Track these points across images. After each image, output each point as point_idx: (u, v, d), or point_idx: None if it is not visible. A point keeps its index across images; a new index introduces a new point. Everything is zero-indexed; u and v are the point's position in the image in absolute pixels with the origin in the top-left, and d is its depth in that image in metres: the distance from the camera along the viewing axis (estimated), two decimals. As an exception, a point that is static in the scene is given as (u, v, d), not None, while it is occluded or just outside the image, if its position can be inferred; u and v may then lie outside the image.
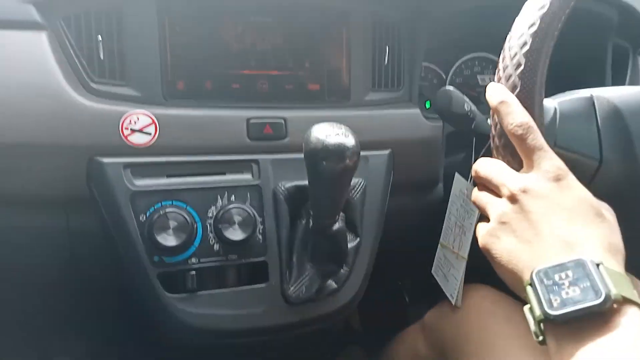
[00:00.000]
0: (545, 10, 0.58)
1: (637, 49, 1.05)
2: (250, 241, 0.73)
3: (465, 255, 0.78)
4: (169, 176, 0.72)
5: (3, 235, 0.73)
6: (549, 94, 0.63)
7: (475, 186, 0.63)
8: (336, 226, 0.71)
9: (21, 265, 0.83)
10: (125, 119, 0.70)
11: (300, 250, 0.74)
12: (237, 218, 0.72)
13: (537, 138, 0.55)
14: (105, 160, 0.69)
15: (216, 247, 0.72)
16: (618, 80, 1.03)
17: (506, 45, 0.61)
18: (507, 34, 0.61)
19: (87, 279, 0.86)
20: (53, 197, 0.70)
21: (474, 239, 0.62)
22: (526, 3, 0.61)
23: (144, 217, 0.70)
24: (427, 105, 1.02)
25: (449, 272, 0.84)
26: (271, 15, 0.79)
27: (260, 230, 0.74)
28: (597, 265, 0.47)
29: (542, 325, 0.48)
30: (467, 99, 0.77)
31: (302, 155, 0.63)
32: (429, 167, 0.90)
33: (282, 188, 0.76)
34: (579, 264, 0.47)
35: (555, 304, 0.46)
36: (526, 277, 0.50)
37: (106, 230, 0.72)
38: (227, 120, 0.75)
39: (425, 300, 0.98)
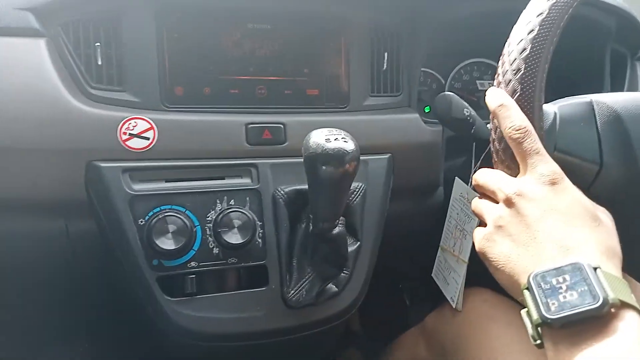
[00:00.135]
0: (544, 16, 0.58)
1: (635, 55, 1.05)
2: (250, 245, 0.73)
3: (466, 259, 0.78)
4: (167, 180, 0.72)
5: (3, 239, 0.73)
6: (548, 100, 0.63)
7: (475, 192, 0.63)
8: (336, 230, 0.71)
9: (20, 270, 0.83)
10: (123, 124, 0.70)
11: (300, 254, 0.74)
12: (236, 222, 0.72)
13: (534, 142, 0.56)
14: (104, 164, 0.70)
15: (215, 251, 0.72)
16: (616, 86, 1.03)
17: (505, 50, 0.61)
18: (506, 40, 0.62)
19: (87, 282, 0.86)
20: (52, 202, 0.70)
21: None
22: (525, 9, 0.61)
23: (143, 221, 0.70)
24: (426, 110, 1.03)
25: (449, 275, 0.84)
26: (269, 22, 0.80)
27: (260, 234, 0.74)
28: (595, 269, 0.47)
29: (539, 329, 0.48)
30: (467, 104, 0.77)
31: (301, 160, 0.64)
32: (429, 172, 0.90)
33: (282, 192, 0.76)
34: (576, 268, 0.47)
35: (552, 308, 0.46)
36: (523, 281, 0.50)
37: (105, 234, 0.72)
38: (225, 125, 0.76)
39: (426, 303, 0.98)
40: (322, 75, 0.83)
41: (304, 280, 0.74)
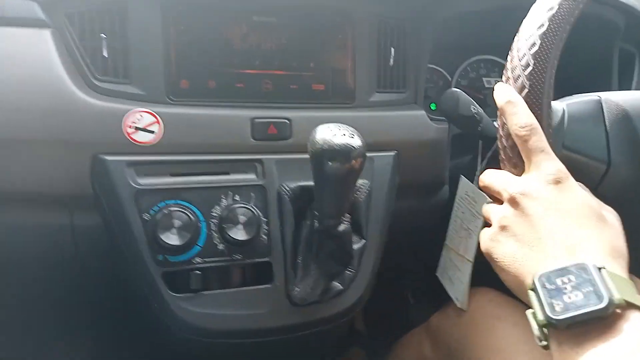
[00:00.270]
0: (554, 11, 0.58)
1: (644, 53, 1.04)
2: (255, 241, 0.72)
3: (471, 258, 0.78)
4: (172, 175, 0.72)
5: (7, 233, 0.73)
6: (555, 97, 0.63)
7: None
8: (341, 227, 0.70)
9: (25, 263, 0.83)
10: (128, 117, 0.70)
11: (305, 251, 0.74)
12: (241, 218, 0.71)
13: (540, 140, 0.55)
14: (109, 158, 0.69)
15: (220, 246, 0.72)
16: (624, 84, 1.02)
17: (514, 46, 0.60)
18: (513, 36, 0.61)
19: (91, 278, 0.86)
20: (57, 195, 0.70)
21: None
22: (534, 5, 0.61)
23: (148, 216, 0.69)
24: (432, 107, 1.02)
25: (454, 274, 0.84)
26: (276, 15, 0.79)
27: (265, 231, 0.74)
28: (600, 269, 0.46)
29: (545, 329, 0.47)
30: (474, 102, 0.77)
31: (306, 156, 0.63)
32: (434, 169, 0.89)
33: (287, 188, 0.75)
34: (581, 268, 0.47)
35: (557, 309, 0.46)
36: (528, 282, 0.50)
37: (110, 228, 0.71)
38: (231, 119, 0.75)
39: (430, 302, 0.97)
40: (328, 70, 0.82)
41: (309, 277, 0.74)
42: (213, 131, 0.74)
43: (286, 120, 0.77)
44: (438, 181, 0.91)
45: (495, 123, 0.67)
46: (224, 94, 0.77)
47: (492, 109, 0.61)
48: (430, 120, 0.87)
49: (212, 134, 0.74)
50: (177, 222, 0.69)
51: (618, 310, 0.44)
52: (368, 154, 0.64)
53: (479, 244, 0.60)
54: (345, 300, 0.78)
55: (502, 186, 0.57)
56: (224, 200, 0.73)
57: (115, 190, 0.69)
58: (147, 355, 1.02)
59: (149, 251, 0.69)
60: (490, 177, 0.60)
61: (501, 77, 0.63)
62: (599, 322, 0.44)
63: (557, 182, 0.53)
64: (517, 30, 0.61)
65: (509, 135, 0.59)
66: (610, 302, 0.44)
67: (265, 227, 0.74)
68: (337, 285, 0.76)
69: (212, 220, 0.72)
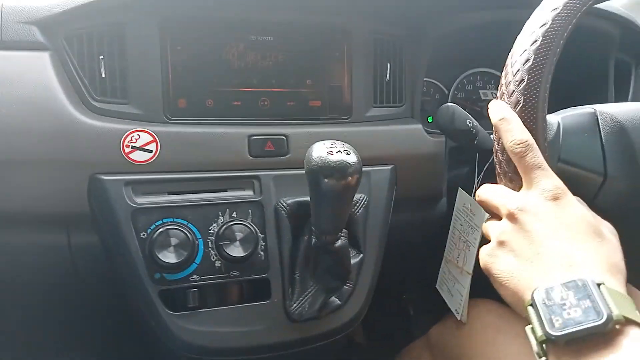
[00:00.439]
0: (547, 27, 0.58)
1: (639, 64, 1.05)
2: (252, 258, 0.72)
3: (470, 270, 0.78)
4: (170, 193, 0.72)
5: (5, 252, 0.73)
6: (552, 110, 0.63)
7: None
8: (339, 242, 0.70)
9: (23, 282, 0.83)
10: (126, 137, 0.70)
11: (303, 267, 0.74)
12: (238, 235, 0.71)
13: (536, 156, 0.55)
14: (106, 177, 0.69)
15: (218, 264, 0.72)
16: (621, 95, 1.03)
17: (508, 61, 0.61)
18: (509, 49, 0.61)
19: (89, 295, 0.86)
20: (54, 215, 0.70)
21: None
22: (528, 20, 0.61)
23: (145, 234, 0.69)
24: (429, 120, 1.02)
25: (453, 287, 0.83)
26: (272, 34, 0.80)
27: (262, 247, 0.74)
28: (599, 285, 0.46)
29: (544, 345, 0.47)
30: (470, 115, 0.77)
31: (303, 171, 0.63)
32: (432, 182, 0.89)
33: (284, 204, 0.75)
34: (580, 284, 0.47)
35: (556, 325, 0.45)
36: (527, 297, 0.50)
37: (107, 247, 0.72)
38: (228, 137, 0.75)
39: (430, 314, 0.97)
40: (325, 87, 0.83)
41: (307, 293, 0.74)
42: (210, 149, 0.74)
43: (283, 137, 0.77)
44: (435, 194, 0.91)
45: (491, 136, 0.67)
46: (221, 112, 0.78)
47: (488, 121, 0.62)
48: (428, 133, 0.87)
49: (209, 152, 0.74)
50: (174, 240, 0.69)
51: (617, 327, 0.44)
52: (365, 168, 0.64)
53: (477, 255, 0.60)
54: (344, 315, 0.78)
55: (501, 202, 0.57)
56: (221, 217, 0.73)
57: (112, 209, 0.69)
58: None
59: (146, 269, 0.69)
60: (487, 193, 0.60)
61: (497, 89, 0.63)
62: (598, 338, 0.44)
63: (556, 198, 0.53)
64: (512, 44, 0.61)
65: (504, 150, 0.59)
66: (609, 318, 0.44)
67: (263, 243, 0.74)
68: (335, 300, 0.76)
69: (209, 237, 0.72)
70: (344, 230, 0.72)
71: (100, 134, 0.69)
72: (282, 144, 0.77)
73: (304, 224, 0.74)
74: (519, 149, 0.56)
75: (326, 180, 0.60)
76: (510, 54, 0.61)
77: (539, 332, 0.47)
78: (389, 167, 0.83)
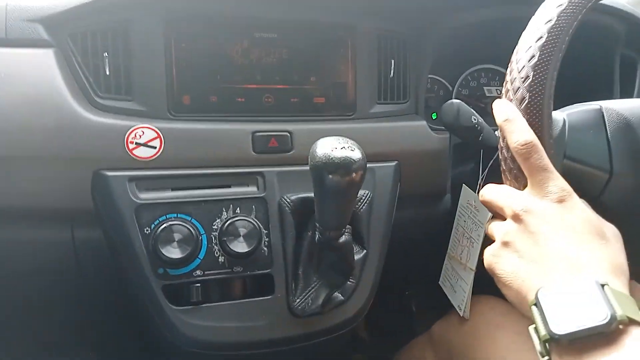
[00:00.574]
0: (552, 23, 0.58)
1: (645, 59, 1.04)
2: (256, 253, 0.73)
3: (474, 267, 0.78)
4: (173, 189, 0.72)
5: (9, 248, 0.73)
6: (557, 106, 0.63)
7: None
8: (343, 238, 0.70)
9: (27, 278, 0.83)
10: (130, 133, 0.70)
11: (306, 263, 0.74)
12: (242, 230, 0.72)
13: (541, 157, 0.55)
14: (110, 173, 0.70)
15: (221, 259, 0.72)
16: (626, 91, 1.02)
17: (513, 58, 0.60)
18: (514, 45, 0.61)
19: (93, 291, 0.86)
20: (58, 210, 0.71)
21: (482, 251, 0.61)
22: (534, 16, 0.61)
23: (149, 230, 0.70)
24: (434, 117, 1.02)
25: (456, 283, 0.83)
26: (276, 31, 0.80)
27: (266, 243, 0.74)
28: (602, 286, 0.47)
29: (547, 344, 0.47)
30: (474, 112, 0.77)
31: (307, 168, 0.63)
32: (436, 179, 0.89)
33: (288, 200, 0.75)
34: (584, 285, 0.47)
35: (560, 324, 0.46)
36: (531, 297, 0.50)
37: (111, 243, 0.72)
38: (232, 133, 0.75)
39: (433, 310, 0.97)
40: (329, 83, 0.83)
41: (310, 288, 0.74)
42: (214, 145, 0.74)
43: (287, 133, 0.78)
44: (439, 191, 0.91)
45: (496, 132, 0.67)
46: (225, 108, 0.78)
47: (493, 118, 0.61)
48: (432, 130, 0.87)
49: (213, 148, 0.74)
50: (177, 236, 0.69)
51: (620, 326, 0.44)
52: (369, 165, 0.64)
53: (481, 252, 0.60)
54: (347, 311, 0.78)
55: (506, 203, 0.57)
56: (224, 213, 0.73)
57: (116, 205, 0.69)
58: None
59: (149, 265, 0.69)
60: (492, 193, 0.60)
61: (502, 86, 0.62)
62: (601, 338, 0.44)
63: (561, 200, 0.54)
64: (517, 41, 0.61)
65: (509, 147, 0.59)
66: (613, 318, 0.44)
67: (266, 239, 0.74)
68: (338, 296, 0.76)
69: (213, 233, 0.72)
70: (348, 226, 0.72)
71: (105, 130, 0.70)
72: (286, 140, 0.77)
73: (308, 220, 0.74)
74: (524, 150, 0.55)
75: (330, 176, 0.60)
76: (515, 50, 0.61)
77: (543, 332, 0.47)
78: (393, 163, 0.83)
